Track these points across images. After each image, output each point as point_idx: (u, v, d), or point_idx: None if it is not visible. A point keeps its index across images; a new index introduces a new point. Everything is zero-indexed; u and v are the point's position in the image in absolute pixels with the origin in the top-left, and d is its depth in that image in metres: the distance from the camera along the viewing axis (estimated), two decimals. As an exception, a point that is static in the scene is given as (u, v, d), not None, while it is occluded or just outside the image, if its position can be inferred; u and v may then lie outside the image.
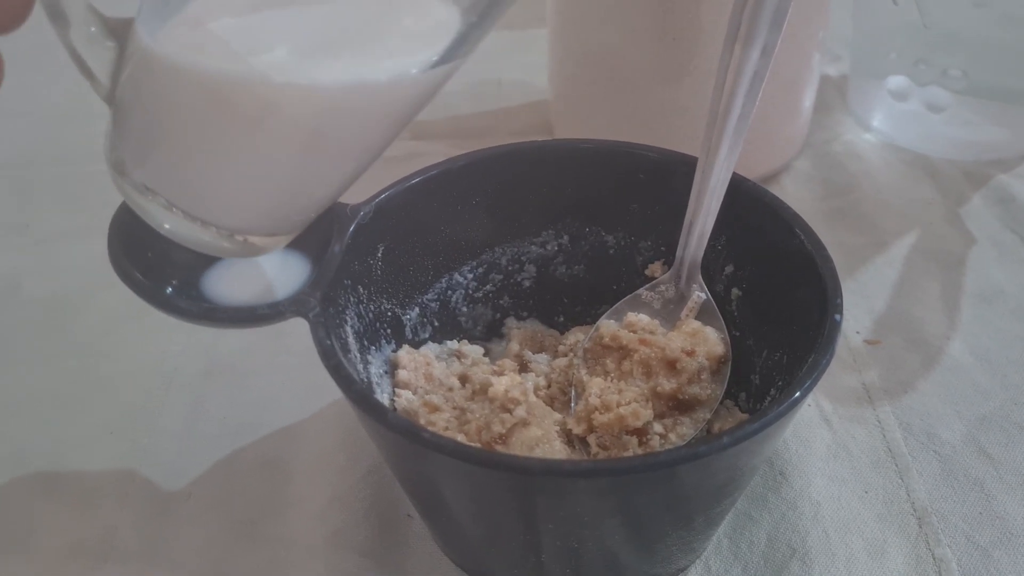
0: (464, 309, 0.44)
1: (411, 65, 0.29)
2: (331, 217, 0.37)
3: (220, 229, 0.32)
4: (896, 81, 0.64)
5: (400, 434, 0.29)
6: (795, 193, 0.62)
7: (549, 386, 0.41)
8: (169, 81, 0.29)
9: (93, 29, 0.30)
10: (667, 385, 0.38)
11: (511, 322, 0.46)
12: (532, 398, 0.37)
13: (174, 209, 0.31)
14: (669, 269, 0.41)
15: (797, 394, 0.29)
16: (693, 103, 0.55)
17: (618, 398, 0.37)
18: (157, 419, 0.46)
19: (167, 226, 0.32)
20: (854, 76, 0.70)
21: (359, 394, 0.30)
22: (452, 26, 0.29)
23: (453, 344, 0.43)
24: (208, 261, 0.35)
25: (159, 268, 0.34)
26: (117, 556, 0.40)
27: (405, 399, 0.39)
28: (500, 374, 0.39)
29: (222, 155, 0.30)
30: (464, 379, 0.40)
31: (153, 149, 0.31)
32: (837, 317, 0.32)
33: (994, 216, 0.59)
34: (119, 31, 0.30)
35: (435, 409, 0.38)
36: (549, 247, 0.44)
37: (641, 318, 0.41)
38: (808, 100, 0.62)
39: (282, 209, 0.34)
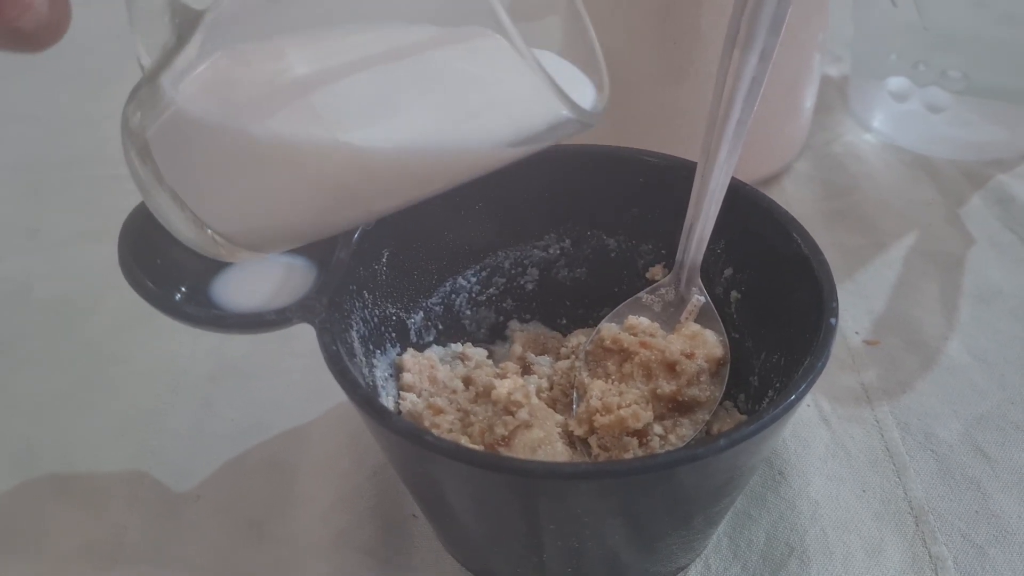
0: (468, 312, 0.45)
1: (483, 141, 0.29)
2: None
3: (223, 240, 0.32)
4: (896, 82, 0.64)
5: (404, 437, 0.30)
6: (795, 194, 0.62)
7: (551, 388, 0.42)
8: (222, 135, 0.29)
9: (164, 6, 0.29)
10: (667, 387, 0.38)
11: (514, 325, 0.46)
12: (534, 400, 0.38)
13: (184, 208, 0.31)
14: (669, 272, 0.42)
15: (792, 397, 0.30)
16: (693, 106, 0.56)
17: (619, 400, 0.38)
18: (165, 421, 0.46)
19: (157, 204, 0.31)
20: (854, 77, 0.70)
21: (364, 398, 0.31)
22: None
23: (457, 347, 0.44)
24: (216, 268, 0.36)
25: (168, 274, 0.35)
26: (127, 556, 0.40)
27: (410, 402, 0.40)
28: (503, 377, 0.40)
29: (261, 199, 0.30)
30: (468, 382, 0.41)
31: (188, 169, 0.30)
32: (833, 320, 0.33)
33: (994, 216, 0.59)
34: (186, 21, 0.29)
35: (439, 411, 0.39)
36: (551, 251, 0.45)
37: (642, 321, 0.41)
38: (808, 101, 0.62)
39: (295, 238, 0.34)
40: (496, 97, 0.28)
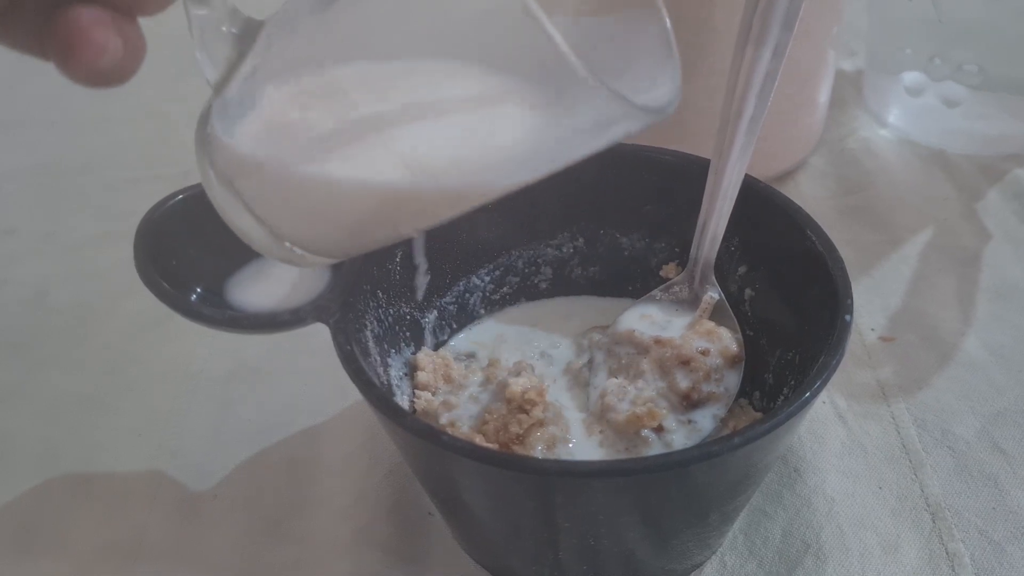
0: (482, 311, 0.45)
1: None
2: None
3: (290, 246, 0.32)
4: (911, 76, 0.64)
5: (420, 437, 0.30)
6: (810, 190, 0.62)
7: (580, 372, 0.42)
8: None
9: (225, 19, 0.29)
10: (682, 384, 0.38)
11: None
12: (549, 398, 0.38)
13: (262, 223, 0.31)
14: (683, 270, 0.42)
15: (808, 394, 0.30)
16: (705, 101, 0.55)
17: (634, 397, 0.38)
18: (183, 422, 0.47)
19: (238, 225, 0.31)
20: (869, 72, 0.70)
21: (380, 398, 0.31)
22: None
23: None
24: (231, 269, 0.36)
25: (184, 276, 0.35)
26: (147, 555, 0.41)
27: (424, 400, 0.40)
28: (518, 374, 0.40)
29: (333, 226, 0.31)
30: (482, 380, 0.41)
31: (263, 197, 0.30)
32: (848, 317, 0.33)
33: (1011, 211, 0.59)
34: (247, 30, 0.29)
35: (453, 410, 0.39)
36: (565, 249, 0.45)
37: (656, 318, 0.41)
38: (823, 96, 0.62)
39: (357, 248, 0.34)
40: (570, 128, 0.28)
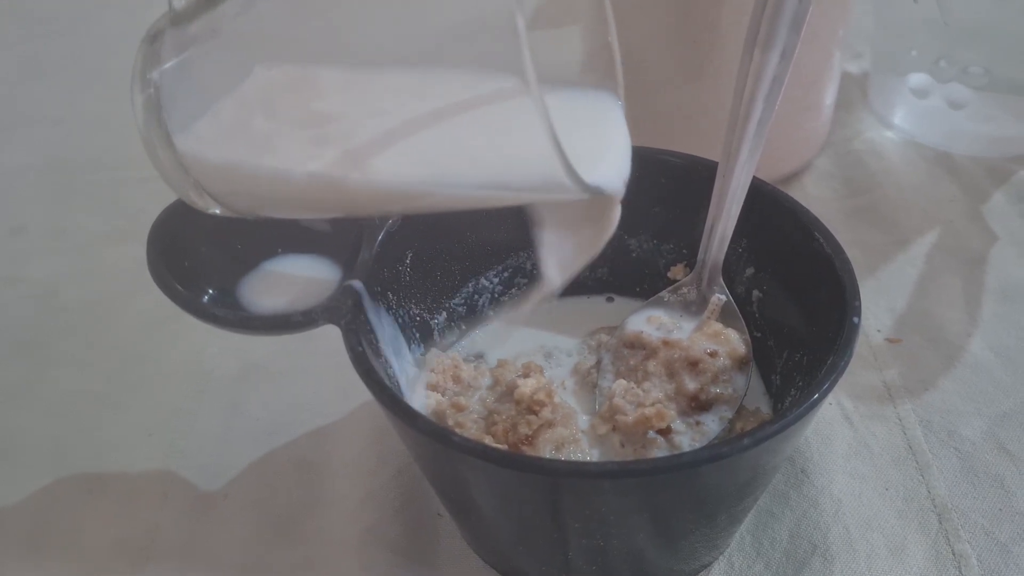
0: (491, 313, 0.45)
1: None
2: (361, 225, 0.38)
3: (207, 194, 0.31)
4: (917, 78, 0.64)
5: (430, 437, 0.30)
6: (816, 192, 0.62)
7: (588, 373, 0.42)
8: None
9: None
10: (690, 385, 0.39)
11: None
12: (557, 400, 0.38)
13: (173, 150, 0.30)
14: (691, 271, 0.42)
15: (816, 396, 0.30)
16: (713, 103, 0.56)
17: (642, 398, 0.38)
18: (194, 421, 0.47)
19: (149, 136, 0.30)
20: (875, 74, 0.70)
21: (391, 399, 0.31)
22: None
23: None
24: (243, 270, 0.37)
25: (196, 277, 0.36)
26: (158, 554, 0.41)
27: (434, 401, 0.40)
28: (527, 376, 0.40)
29: (260, 198, 0.31)
30: (491, 381, 0.41)
31: (212, 168, 0.30)
32: (856, 319, 0.33)
33: (1016, 213, 0.59)
34: None
35: (463, 410, 0.39)
36: (573, 251, 0.45)
37: (664, 319, 0.41)
38: (829, 98, 0.62)
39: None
40: (506, 151, 0.28)
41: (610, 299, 0.46)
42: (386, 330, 0.38)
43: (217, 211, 0.32)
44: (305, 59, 0.28)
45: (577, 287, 0.46)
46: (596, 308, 0.46)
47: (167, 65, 0.29)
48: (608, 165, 0.32)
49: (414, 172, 0.27)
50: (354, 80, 0.27)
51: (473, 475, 0.32)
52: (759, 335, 0.41)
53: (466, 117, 0.26)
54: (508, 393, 0.39)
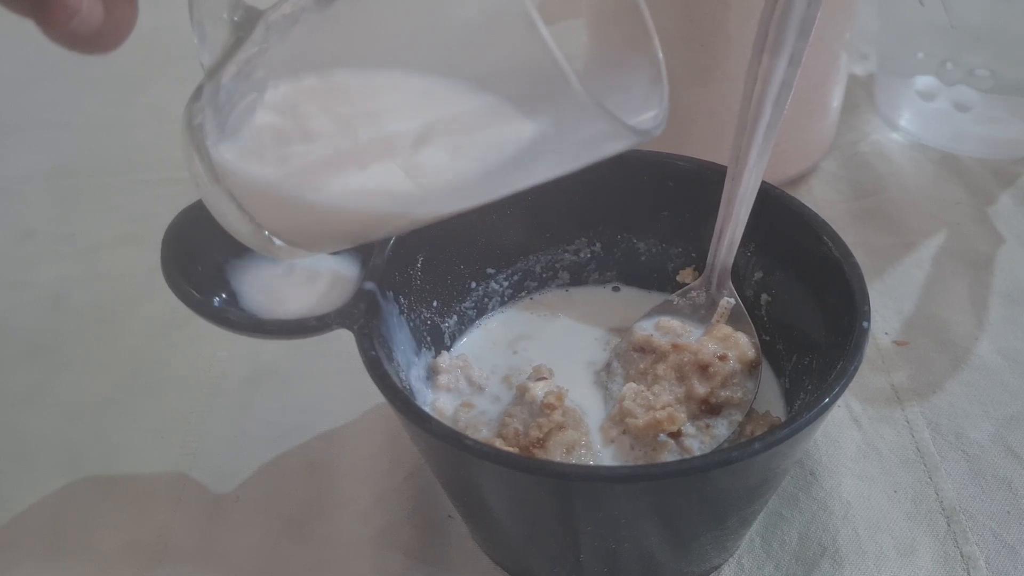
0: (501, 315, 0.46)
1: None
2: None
3: (280, 240, 0.32)
4: (924, 81, 0.64)
5: (443, 441, 0.31)
6: (822, 194, 0.62)
7: (597, 377, 0.42)
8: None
9: (225, 5, 0.29)
10: (700, 389, 0.39)
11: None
12: (567, 403, 0.39)
13: (242, 209, 0.30)
14: (700, 275, 0.42)
15: (826, 400, 0.30)
16: (720, 107, 0.56)
17: (652, 402, 0.38)
18: (205, 424, 0.47)
19: (212, 199, 0.30)
20: (881, 76, 0.70)
21: (404, 402, 0.32)
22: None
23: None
24: (255, 274, 0.37)
25: (209, 281, 0.36)
26: (171, 556, 0.41)
27: (445, 403, 0.40)
28: (538, 379, 0.40)
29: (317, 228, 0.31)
30: (502, 384, 0.42)
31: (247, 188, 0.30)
32: (865, 323, 0.33)
33: (1023, 215, 0.59)
34: (247, 18, 0.29)
35: (473, 413, 0.39)
36: (582, 255, 0.45)
37: (673, 323, 0.42)
38: (836, 100, 0.62)
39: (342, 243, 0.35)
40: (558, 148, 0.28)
41: (616, 288, 0.47)
42: (398, 334, 0.39)
43: (302, 253, 0.33)
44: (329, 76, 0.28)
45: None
46: (608, 303, 0.46)
47: (208, 125, 0.29)
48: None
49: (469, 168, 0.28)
50: (382, 89, 0.28)
51: (485, 478, 0.33)
52: (768, 338, 0.41)
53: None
54: (519, 396, 0.39)
